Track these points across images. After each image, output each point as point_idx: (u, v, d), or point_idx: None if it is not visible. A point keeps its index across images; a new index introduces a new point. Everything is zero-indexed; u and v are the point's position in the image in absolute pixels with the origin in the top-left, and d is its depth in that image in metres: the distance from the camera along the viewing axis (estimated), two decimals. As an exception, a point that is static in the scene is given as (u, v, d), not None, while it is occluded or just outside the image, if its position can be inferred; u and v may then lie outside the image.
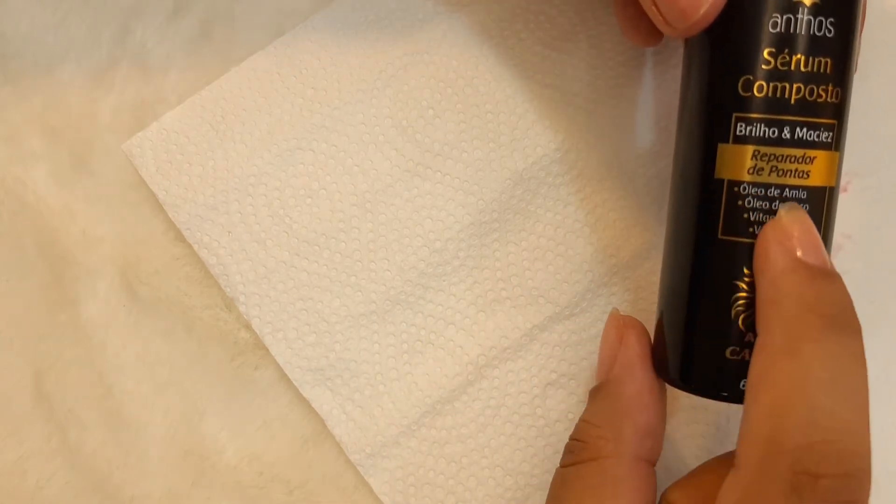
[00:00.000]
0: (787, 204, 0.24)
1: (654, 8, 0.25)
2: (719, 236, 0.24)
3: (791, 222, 0.23)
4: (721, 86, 0.24)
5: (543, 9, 0.32)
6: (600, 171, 0.32)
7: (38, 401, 0.31)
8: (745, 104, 0.24)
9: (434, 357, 0.31)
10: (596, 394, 0.26)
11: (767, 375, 0.21)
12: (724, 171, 0.24)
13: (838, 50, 0.24)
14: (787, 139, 0.24)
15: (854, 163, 0.32)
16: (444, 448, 0.31)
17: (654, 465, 0.26)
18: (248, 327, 0.31)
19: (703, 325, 0.25)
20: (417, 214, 0.31)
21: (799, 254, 0.22)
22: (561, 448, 0.31)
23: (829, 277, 0.22)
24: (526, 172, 0.32)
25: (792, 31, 0.23)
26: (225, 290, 0.31)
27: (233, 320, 0.32)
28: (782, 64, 0.23)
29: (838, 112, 0.24)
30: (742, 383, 0.24)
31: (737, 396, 0.24)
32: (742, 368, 0.24)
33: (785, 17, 0.23)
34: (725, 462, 0.24)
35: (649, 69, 0.32)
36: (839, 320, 0.22)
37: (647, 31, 0.29)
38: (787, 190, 0.24)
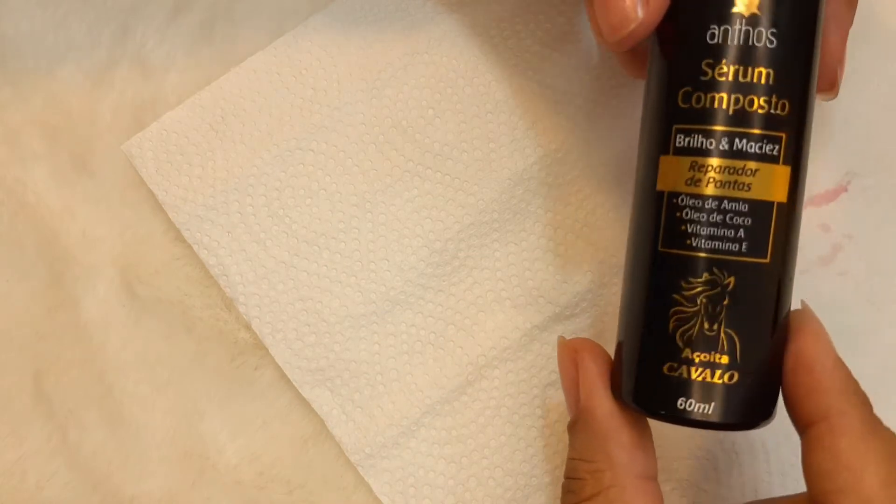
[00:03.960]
0: (802, 304, 0.25)
1: (593, 20, 0.25)
2: (659, 248, 0.24)
3: (818, 326, 0.25)
4: (664, 97, 0.24)
5: (543, 9, 0.32)
6: (600, 172, 0.32)
7: (38, 401, 0.31)
8: (684, 115, 0.24)
9: (434, 357, 0.31)
10: (573, 428, 0.26)
11: (867, 451, 0.22)
12: (664, 183, 0.24)
13: (783, 61, 0.23)
14: (724, 150, 0.23)
15: (854, 163, 0.32)
16: (444, 448, 0.31)
17: (655, 478, 0.25)
18: (248, 327, 0.31)
19: (645, 338, 0.24)
20: (417, 214, 0.31)
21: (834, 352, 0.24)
22: (561, 448, 0.31)
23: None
24: (526, 172, 0.32)
25: (728, 42, 0.23)
26: (225, 290, 0.31)
27: (233, 320, 0.32)
28: (719, 75, 0.23)
29: (788, 125, 0.23)
30: (679, 402, 0.23)
31: (675, 416, 0.23)
32: (679, 386, 0.23)
33: (722, 27, 0.23)
34: None
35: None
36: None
37: (640, 64, 0.28)
38: (725, 202, 0.23)
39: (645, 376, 0.24)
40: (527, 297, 0.31)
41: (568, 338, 0.27)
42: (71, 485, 0.31)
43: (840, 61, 0.26)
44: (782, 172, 0.24)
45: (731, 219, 0.23)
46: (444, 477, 0.31)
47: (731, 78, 0.23)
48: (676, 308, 0.24)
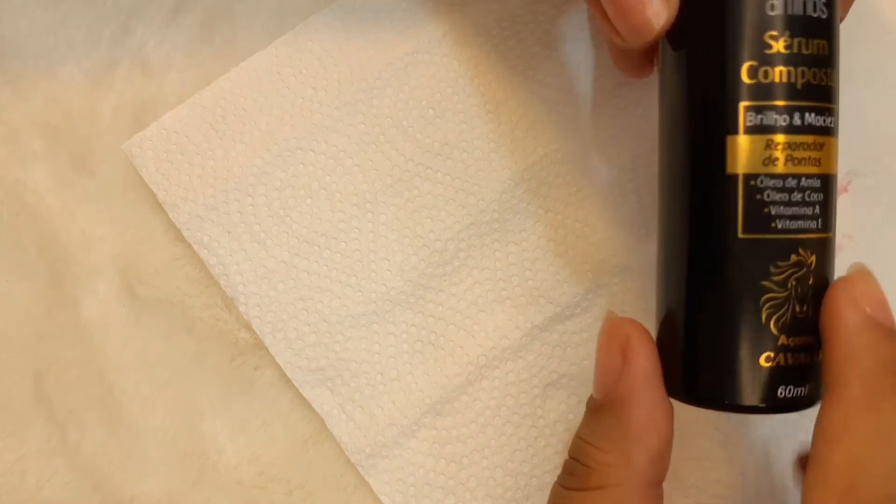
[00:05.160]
0: (855, 264, 0.23)
1: (609, 27, 0.25)
2: (740, 235, 0.23)
3: (859, 281, 0.23)
4: (723, 75, 0.23)
5: (543, 9, 0.32)
6: (601, 172, 0.32)
7: (38, 401, 0.31)
8: (752, 92, 0.23)
9: (434, 357, 0.31)
10: (598, 413, 0.25)
11: (847, 427, 0.22)
12: (738, 165, 0.23)
13: (831, 31, 0.23)
14: (798, 125, 0.23)
15: (854, 163, 0.32)
16: (444, 448, 0.31)
17: (661, 486, 0.25)
18: (248, 327, 0.31)
19: (733, 334, 0.23)
20: (417, 214, 0.31)
21: (868, 311, 0.23)
22: (561, 448, 0.31)
23: None
24: (526, 172, 0.32)
25: (788, 11, 0.23)
26: (225, 290, 0.31)
27: (233, 320, 0.32)
28: (786, 47, 0.23)
29: (836, 96, 0.24)
30: (780, 391, 0.23)
31: (778, 406, 0.23)
32: (780, 375, 0.23)
33: None
34: None
35: (649, 69, 0.32)
36: None
37: (639, 63, 0.28)
38: (803, 179, 0.23)
39: (739, 373, 0.23)
40: (527, 297, 0.31)
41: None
42: (71, 485, 0.31)
43: None
44: (836, 144, 0.24)
45: (809, 195, 0.23)
46: (444, 477, 0.31)
47: (797, 49, 0.23)
48: (768, 295, 0.23)
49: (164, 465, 0.31)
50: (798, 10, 0.23)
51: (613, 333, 0.25)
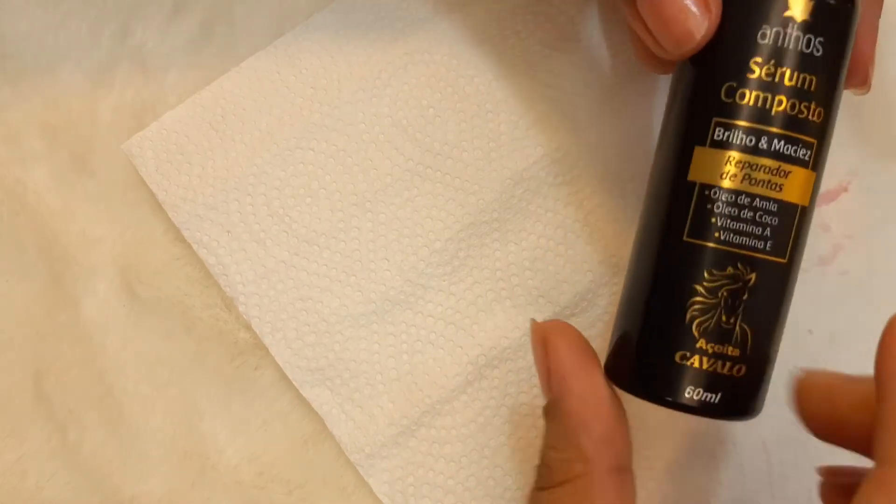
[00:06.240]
0: None
1: (650, 37, 0.25)
2: (684, 238, 0.24)
3: None
4: (705, 89, 0.24)
5: (543, 8, 0.32)
6: (600, 171, 0.32)
7: (38, 401, 0.31)
8: (726, 110, 0.24)
9: (434, 357, 0.31)
10: (548, 415, 0.25)
11: None
12: (698, 174, 0.24)
13: (825, 70, 0.24)
14: (763, 149, 0.24)
15: (854, 163, 0.32)
16: (444, 448, 0.31)
17: (628, 469, 0.25)
18: (248, 327, 0.31)
19: (659, 326, 0.25)
20: (417, 214, 0.31)
21: None
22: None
23: None
24: (526, 172, 0.32)
25: (780, 44, 0.23)
26: (225, 290, 0.31)
27: (233, 320, 0.32)
28: (767, 74, 0.24)
29: (820, 132, 0.24)
30: (688, 391, 0.24)
31: (681, 404, 0.24)
32: (690, 375, 0.24)
33: (774, 29, 0.23)
34: None
35: (649, 69, 0.32)
36: None
37: (665, 62, 0.28)
38: (757, 200, 0.24)
39: (654, 363, 0.24)
40: (527, 297, 0.31)
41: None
42: (71, 485, 0.31)
43: (871, 57, 0.26)
44: (809, 177, 0.24)
45: (761, 217, 0.24)
46: (444, 477, 0.31)
47: (777, 79, 0.24)
48: (696, 299, 0.24)
49: (164, 465, 0.31)
50: (789, 45, 0.23)
51: (535, 336, 0.26)
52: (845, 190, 0.32)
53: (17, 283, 0.32)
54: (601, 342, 0.31)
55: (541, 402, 0.31)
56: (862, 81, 0.26)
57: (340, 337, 0.31)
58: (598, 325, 0.31)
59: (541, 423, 0.31)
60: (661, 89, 0.32)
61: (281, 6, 0.32)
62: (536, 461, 0.25)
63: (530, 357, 0.31)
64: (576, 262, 0.31)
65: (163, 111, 0.32)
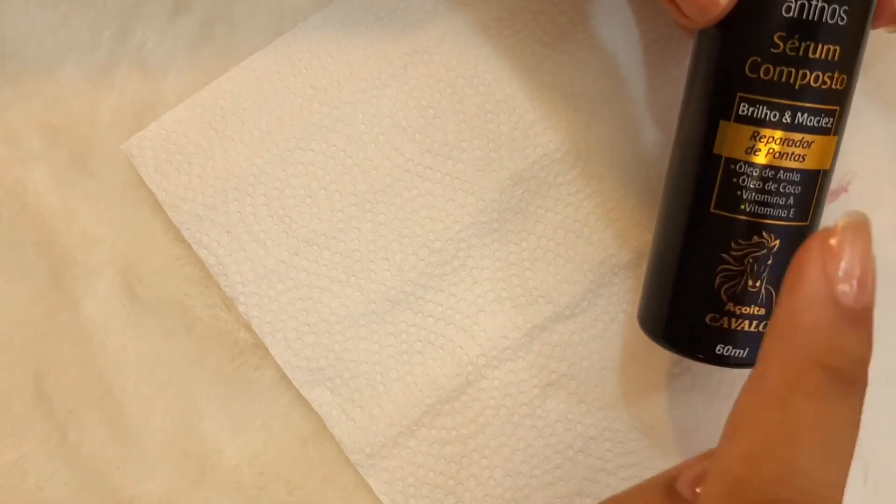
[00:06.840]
0: (852, 213, 0.20)
1: (673, 6, 0.25)
2: (711, 210, 0.25)
3: (844, 243, 0.19)
4: (729, 65, 0.25)
5: (543, 8, 0.32)
6: (600, 171, 0.32)
7: (38, 401, 0.31)
8: (750, 85, 0.24)
9: (434, 357, 0.31)
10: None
11: (752, 417, 0.20)
12: (723, 148, 0.25)
13: (849, 37, 0.24)
14: (787, 123, 0.24)
15: (854, 163, 0.32)
16: (444, 448, 0.31)
17: None
18: (248, 327, 0.31)
19: (689, 291, 0.26)
20: (417, 214, 0.31)
21: (839, 289, 0.19)
22: (561, 448, 0.31)
23: (857, 324, 0.19)
24: (526, 172, 0.32)
25: (804, 17, 0.24)
26: (225, 290, 0.31)
27: (233, 320, 0.32)
28: (791, 49, 0.24)
29: (842, 98, 0.24)
30: (717, 348, 0.25)
31: (713, 359, 0.26)
32: (720, 335, 0.25)
33: (798, 2, 0.23)
34: (664, 483, 0.23)
35: (649, 69, 0.32)
36: (846, 377, 0.19)
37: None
38: (780, 172, 0.24)
39: (686, 325, 0.26)
40: (527, 297, 0.31)
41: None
42: (71, 485, 0.31)
43: None
44: (831, 143, 0.25)
45: (784, 188, 0.24)
46: (444, 477, 0.31)
47: (801, 53, 0.24)
48: (723, 266, 0.25)
49: (164, 465, 0.31)
50: (814, 16, 0.23)
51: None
52: (845, 190, 0.32)
53: (17, 283, 0.32)
54: (601, 342, 0.31)
55: (541, 401, 0.31)
56: (893, 19, 0.25)
57: (340, 337, 0.31)
58: (598, 325, 0.31)
59: (541, 422, 0.31)
60: (662, 88, 0.32)
61: (281, 6, 0.32)
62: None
63: (530, 357, 0.31)
64: (576, 262, 0.31)
65: (163, 111, 0.32)
